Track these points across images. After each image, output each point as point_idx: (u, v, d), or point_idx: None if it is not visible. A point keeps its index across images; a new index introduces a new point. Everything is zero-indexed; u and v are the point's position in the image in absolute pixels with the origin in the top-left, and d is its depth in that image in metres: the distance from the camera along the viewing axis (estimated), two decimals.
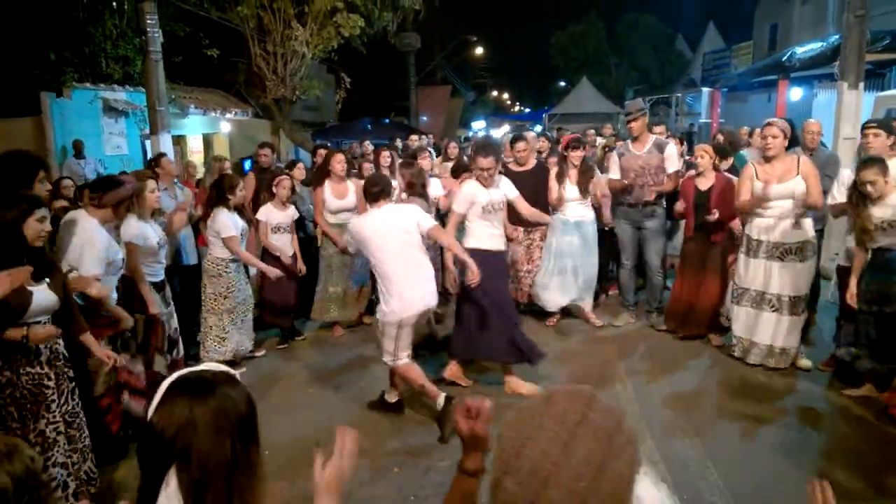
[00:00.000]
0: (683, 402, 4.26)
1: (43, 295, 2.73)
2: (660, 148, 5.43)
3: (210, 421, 1.15)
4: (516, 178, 5.47)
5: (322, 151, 7.05)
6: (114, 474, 3.50)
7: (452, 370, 4.55)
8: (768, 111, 12.30)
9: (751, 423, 3.97)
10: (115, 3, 10.60)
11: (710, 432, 3.86)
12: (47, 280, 2.80)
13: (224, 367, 1.28)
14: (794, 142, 4.77)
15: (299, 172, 6.26)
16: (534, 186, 5.57)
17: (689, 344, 5.29)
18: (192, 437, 1.14)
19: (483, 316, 4.30)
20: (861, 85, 7.31)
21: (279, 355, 5.41)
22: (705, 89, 17.72)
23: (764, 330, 4.67)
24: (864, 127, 4.54)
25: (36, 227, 2.70)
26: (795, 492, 3.22)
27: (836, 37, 9.48)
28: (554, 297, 5.72)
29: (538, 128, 21.58)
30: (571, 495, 0.84)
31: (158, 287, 4.31)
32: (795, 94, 12.69)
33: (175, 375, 1.23)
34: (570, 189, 5.63)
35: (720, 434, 3.85)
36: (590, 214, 5.72)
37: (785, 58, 11.30)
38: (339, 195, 5.69)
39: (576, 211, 5.66)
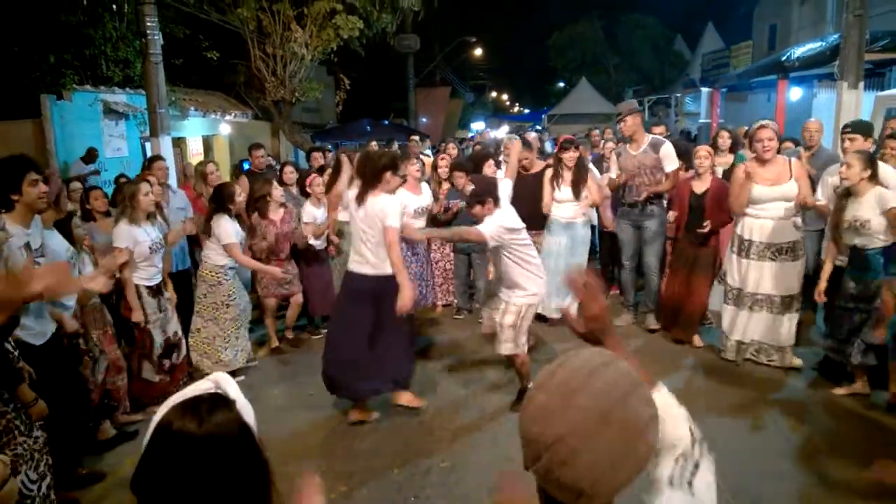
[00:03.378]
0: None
1: None
2: (654, 147, 5.39)
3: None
4: (522, 181, 5.53)
5: (317, 154, 7.02)
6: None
7: (407, 397, 4.28)
8: (768, 111, 12.29)
9: (745, 421, 3.98)
10: (115, 6, 10.59)
11: (705, 431, 3.84)
12: None
13: (215, 389, 1.16)
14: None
15: (288, 176, 6.16)
16: (537, 190, 5.65)
17: (679, 345, 5.28)
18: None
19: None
20: (861, 84, 7.33)
21: (277, 358, 5.41)
22: (705, 89, 17.67)
23: (757, 329, 4.68)
24: (842, 132, 4.66)
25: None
26: (792, 489, 3.23)
27: (836, 36, 9.47)
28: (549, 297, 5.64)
29: (538, 128, 21.62)
30: (598, 401, 0.91)
31: (154, 291, 4.25)
32: (795, 93, 12.67)
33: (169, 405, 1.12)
34: (564, 190, 5.62)
35: (715, 433, 3.81)
36: (581, 217, 5.67)
37: (784, 57, 11.26)
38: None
39: (567, 212, 5.64)
